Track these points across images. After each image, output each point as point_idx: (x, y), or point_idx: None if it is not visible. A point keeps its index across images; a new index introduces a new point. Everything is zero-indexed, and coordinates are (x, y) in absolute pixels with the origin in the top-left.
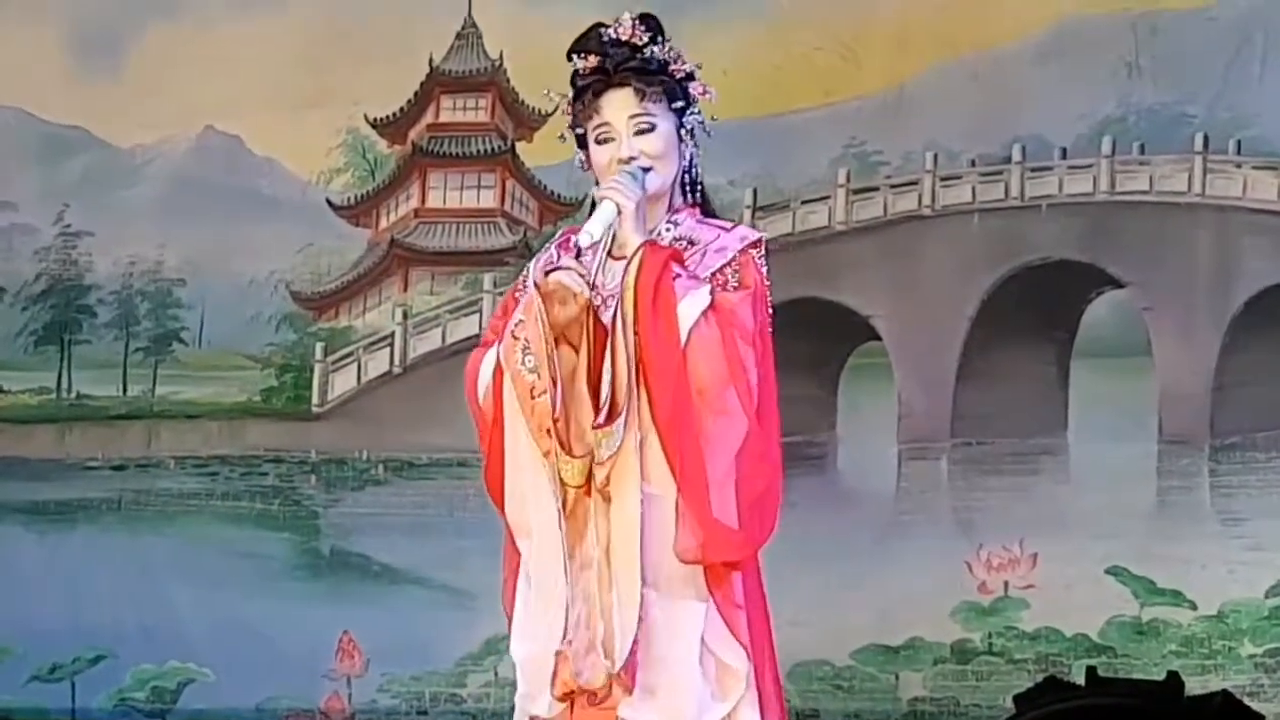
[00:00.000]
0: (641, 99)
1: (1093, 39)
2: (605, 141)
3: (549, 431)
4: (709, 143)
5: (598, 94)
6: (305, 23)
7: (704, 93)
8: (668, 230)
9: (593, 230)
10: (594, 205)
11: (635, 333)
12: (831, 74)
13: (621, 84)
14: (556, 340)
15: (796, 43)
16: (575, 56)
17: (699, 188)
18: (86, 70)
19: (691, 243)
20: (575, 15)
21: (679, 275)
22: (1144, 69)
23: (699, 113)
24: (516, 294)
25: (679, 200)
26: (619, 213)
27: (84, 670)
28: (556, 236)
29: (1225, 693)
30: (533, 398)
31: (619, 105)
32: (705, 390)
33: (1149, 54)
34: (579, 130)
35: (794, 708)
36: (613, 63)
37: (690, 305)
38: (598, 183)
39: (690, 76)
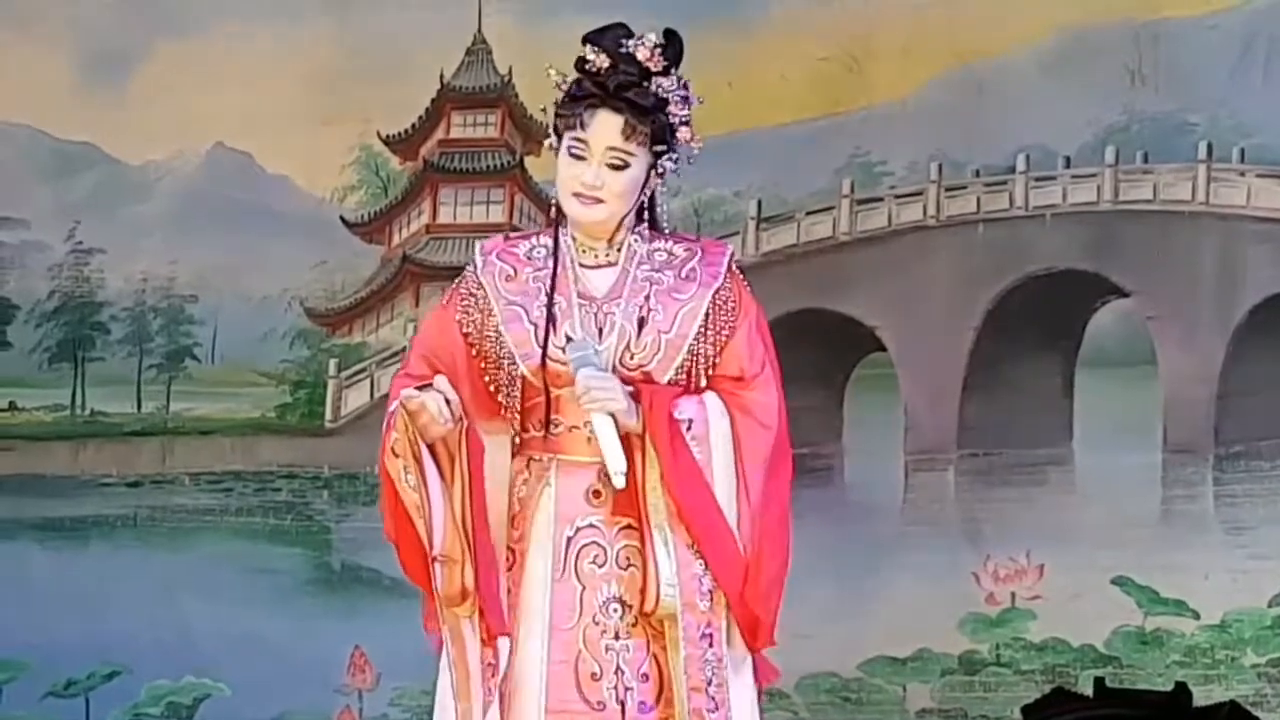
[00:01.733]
0: (628, 137)
1: (1096, 48)
2: (577, 158)
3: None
4: (714, 156)
5: (591, 108)
6: (315, 40)
7: (690, 140)
8: (637, 242)
9: (617, 467)
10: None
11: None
12: (836, 84)
13: (616, 110)
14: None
15: (802, 53)
16: (589, 48)
17: (655, 216)
18: (96, 86)
19: (670, 253)
20: (582, 31)
21: (690, 423)
22: (1147, 78)
23: (677, 157)
24: (453, 302)
25: (632, 219)
26: (615, 418)
27: (99, 686)
28: (490, 241)
29: (1233, 703)
30: (419, 516)
31: (603, 131)
32: (767, 460)
33: (1152, 63)
34: (559, 124)
35: None
36: (615, 82)
37: (718, 427)
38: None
39: (685, 122)
